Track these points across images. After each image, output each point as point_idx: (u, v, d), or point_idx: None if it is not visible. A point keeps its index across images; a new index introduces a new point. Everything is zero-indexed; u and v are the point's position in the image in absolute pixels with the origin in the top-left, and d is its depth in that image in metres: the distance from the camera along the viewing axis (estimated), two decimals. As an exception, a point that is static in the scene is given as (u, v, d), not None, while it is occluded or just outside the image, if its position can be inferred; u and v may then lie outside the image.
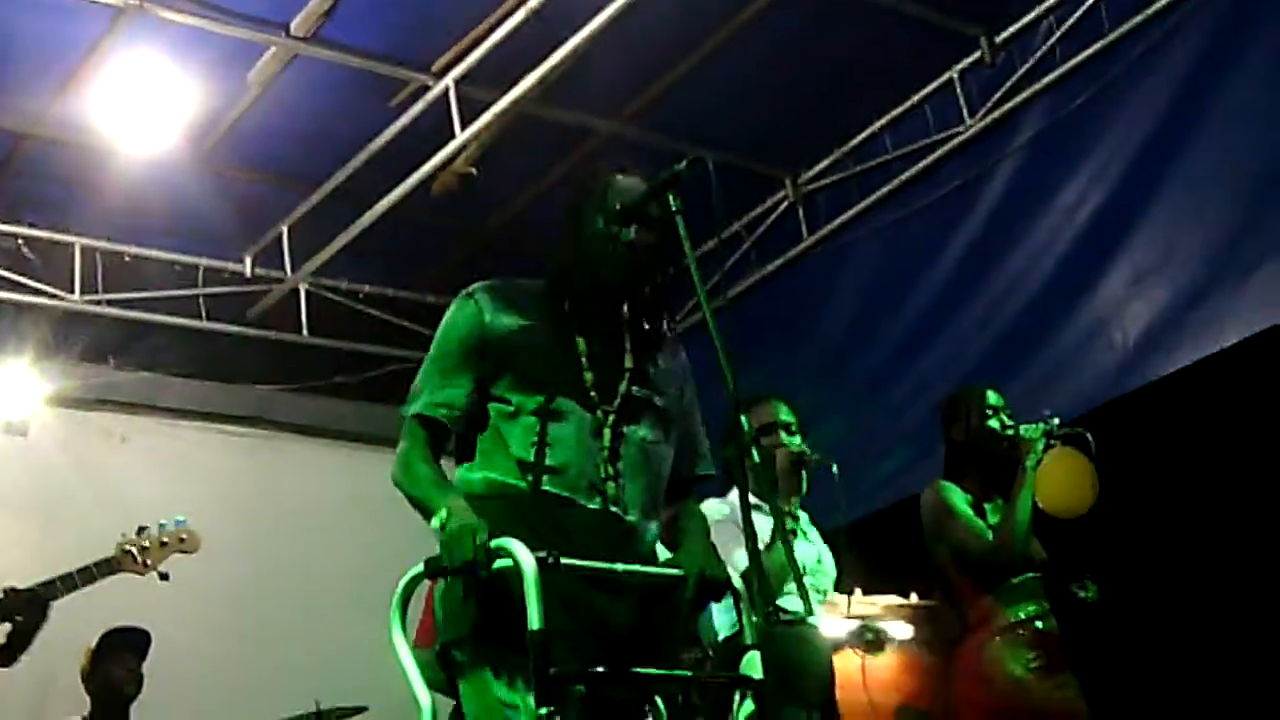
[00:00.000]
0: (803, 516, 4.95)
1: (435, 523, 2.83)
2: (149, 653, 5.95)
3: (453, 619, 2.94)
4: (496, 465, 3.00)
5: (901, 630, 5.79)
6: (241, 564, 7.09)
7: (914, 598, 5.92)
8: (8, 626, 4.54)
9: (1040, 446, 4.74)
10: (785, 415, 4.88)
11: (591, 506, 2.97)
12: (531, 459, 2.97)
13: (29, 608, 4.53)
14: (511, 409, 3.01)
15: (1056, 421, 4.97)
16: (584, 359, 3.06)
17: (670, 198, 2.96)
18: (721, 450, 3.15)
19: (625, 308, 3.15)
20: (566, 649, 2.72)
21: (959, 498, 4.83)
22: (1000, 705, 4.68)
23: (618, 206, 3.06)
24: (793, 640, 4.53)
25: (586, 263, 3.09)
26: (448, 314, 3.16)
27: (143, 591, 5.21)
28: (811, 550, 4.87)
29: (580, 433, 3.00)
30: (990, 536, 4.74)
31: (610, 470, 3.00)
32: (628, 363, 3.12)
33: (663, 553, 3.31)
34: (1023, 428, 4.83)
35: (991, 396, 4.96)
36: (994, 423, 4.90)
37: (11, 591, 4.53)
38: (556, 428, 2.98)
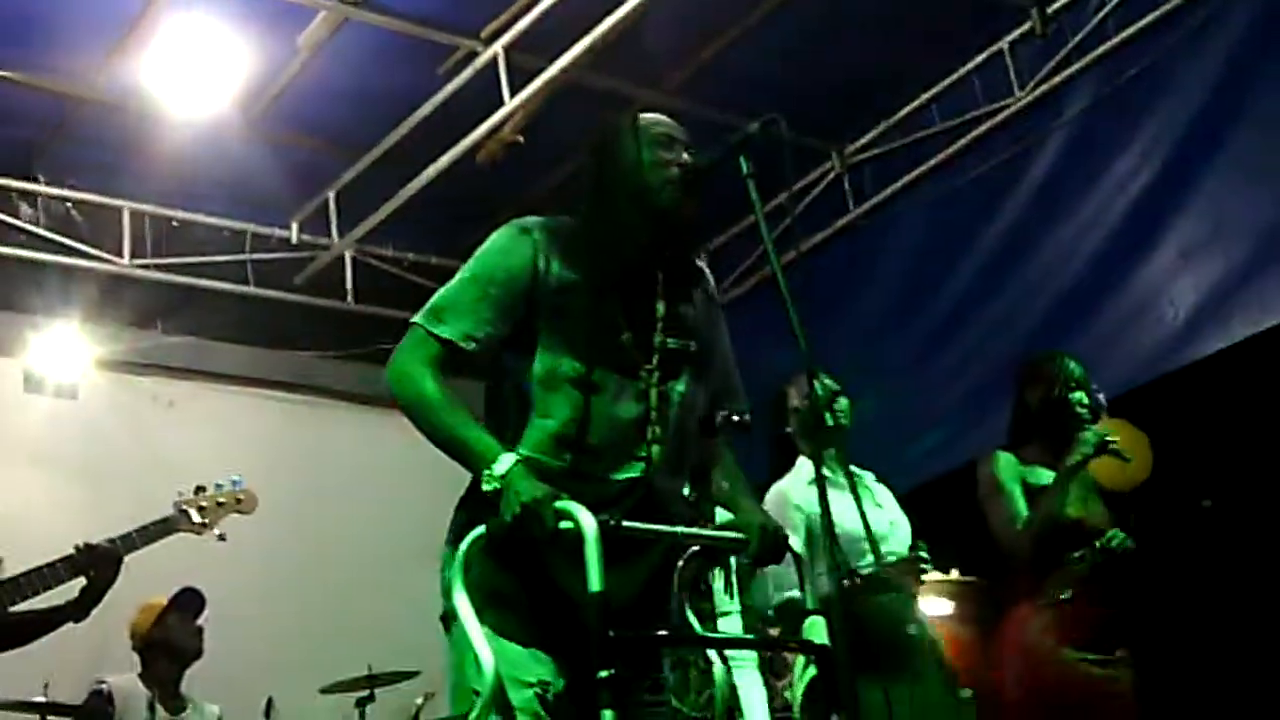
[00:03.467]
0: (867, 477, 4.96)
1: (491, 481, 2.70)
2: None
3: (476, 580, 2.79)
4: (529, 439, 2.87)
5: (941, 606, 5.77)
6: (287, 529, 7.09)
7: (954, 574, 5.90)
8: (82, 581, 4.55)
9: (1086, 451, 4.61)
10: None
11: (630, 476, 2.88)
12: (572, 435, 2.85)
13: (103, 563, 4.54)
14: (547, 374, 2.88)
15: (1103, 399, 4.93)
16: (621, 317, 2.92)
17: (742, 160, 2.91)
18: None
19: (664, 243, 3.00)
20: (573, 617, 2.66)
21: (1009, 474, 4.74)
22: (1040, 681, 4.62)
23: (663, 134, 3.02)
24: (875, 606, 4.44)
25: (638, 194, 2.96)
26: (499, 240, 3.00)
27: (188, 553, 5.23)
28: (884, 515, 4.83)
29: (622, 404, 2.88)
30: (1021, 526, 4.67)
31: (652, 433, 2.90)
32: (659, 310, 2.98)
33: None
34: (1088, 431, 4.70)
35: (1075, 369, 4.82)
36: (1074, 395, 4.78)
37: (86, 547, 4.51)
38: (598, 401, 2.86)
